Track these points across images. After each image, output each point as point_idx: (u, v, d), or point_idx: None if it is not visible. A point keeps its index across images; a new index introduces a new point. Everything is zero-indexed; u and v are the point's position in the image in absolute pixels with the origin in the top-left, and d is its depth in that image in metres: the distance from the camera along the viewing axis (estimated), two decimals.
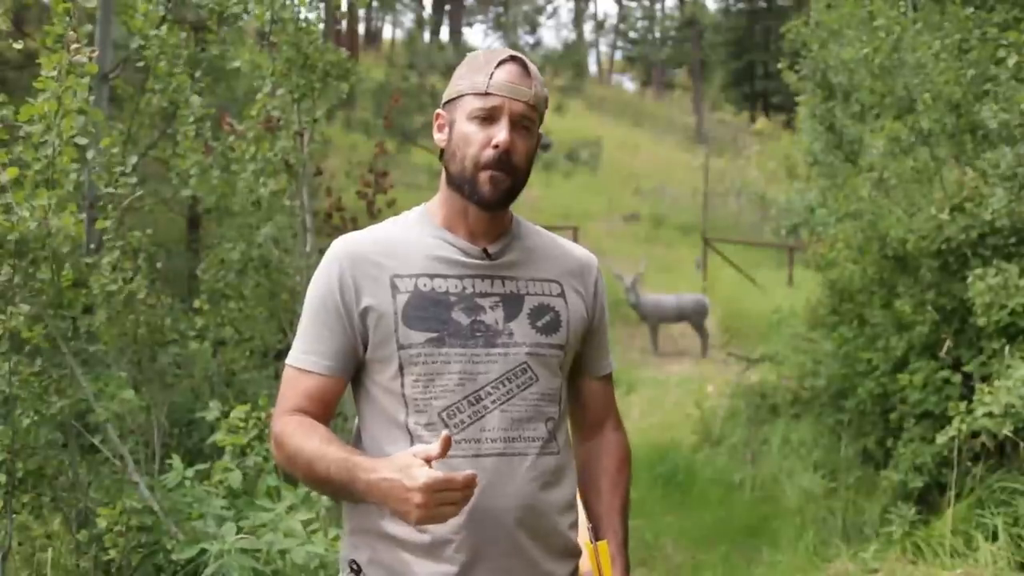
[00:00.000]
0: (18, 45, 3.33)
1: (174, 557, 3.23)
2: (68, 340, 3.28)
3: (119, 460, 3.47)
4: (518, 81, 1.62)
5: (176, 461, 3.73)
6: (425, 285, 1.62)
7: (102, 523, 3.21)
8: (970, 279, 4.55)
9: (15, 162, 2.98)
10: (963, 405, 4.25)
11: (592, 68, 44.06)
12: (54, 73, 2.92)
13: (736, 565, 5.35)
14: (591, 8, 48.55)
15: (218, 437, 3.89)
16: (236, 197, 4.53)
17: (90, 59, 2.96)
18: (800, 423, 6.97)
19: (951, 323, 5.28)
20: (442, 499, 1.39)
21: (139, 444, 4.00)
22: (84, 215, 3.54)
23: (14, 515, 3.17)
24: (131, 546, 3.29)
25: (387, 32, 40.58)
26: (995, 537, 4.09)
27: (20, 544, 3.46)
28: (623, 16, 47.52)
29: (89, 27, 3.24)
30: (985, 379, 4.69)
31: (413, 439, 1.58)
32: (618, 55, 49.57)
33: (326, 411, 1.64)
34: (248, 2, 4.03)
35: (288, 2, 4.04)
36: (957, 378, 5.04)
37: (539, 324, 1.66)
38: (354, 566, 1.65)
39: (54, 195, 2.96)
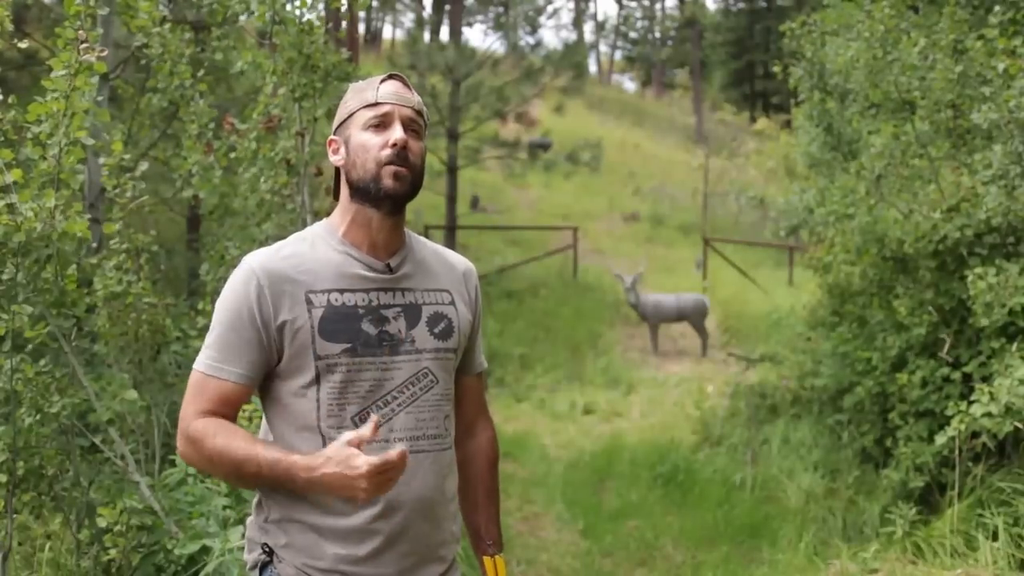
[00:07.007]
0: (23, 44, 3.33)
1: (177, 552, 3.23)
2: (70, 340, 3.28)
3: (120, 460, 3.47)
4: (402, 91, 1.80)
5: (178, 460, 3.73)
6: (336, 300, 1.75)
7: (102, 523, 3.22)
8: (970, 278, 4.55)
9: (20, 163, 2.98)
10: (963, 404, 4.25)
11: (592, 68, 44.07)
12: (63, 73, 2.92)
13: (736, 565, 5.34)
14: (591, 8, 48.54)
15: None
16: (237, 197, 4.54)
17: (99, 59, 2.97)
18: (800, 423, 6.97)
19: (950, 323, 5.28)
20: (383, 478, 1.55)
21: (140, 444, 4.00)
22: (88, 216, 3.54)
23: (14, 515, 3.18)
24: (131, 546, 3.29)
25: (387, 32, 40.66)
26: (995, 537, 4.08)
27: (20, 544, 3.46)
28: (623, 16, 47.57)
29: (100, 30, 3.26)
30: (985, 379, 4.69)
31: (325, 440, 1.71)
32: (618, 55, 49.61)
33: (234, 415, 1.76)
34: (251, 1, 4.03)
35: (290, 5, 4.05)
36: (957, 375, 5.04)
37: (436, 331, 1.82)
38: (266, 548, 1.77)
39: (61, 196, 2.97)
